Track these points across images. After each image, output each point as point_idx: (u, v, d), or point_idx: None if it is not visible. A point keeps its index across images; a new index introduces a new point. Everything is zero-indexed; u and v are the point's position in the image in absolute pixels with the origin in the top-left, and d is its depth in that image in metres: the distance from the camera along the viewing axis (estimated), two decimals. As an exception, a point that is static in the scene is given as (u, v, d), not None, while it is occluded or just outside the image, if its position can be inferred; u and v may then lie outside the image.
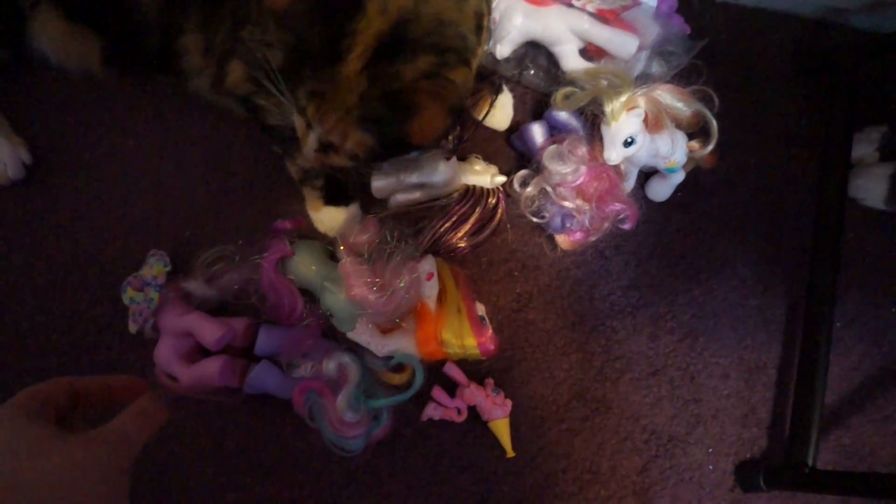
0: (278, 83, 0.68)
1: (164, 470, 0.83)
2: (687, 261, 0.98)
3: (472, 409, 0.86)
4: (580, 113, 0.90)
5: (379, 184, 0.88)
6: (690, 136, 0.91)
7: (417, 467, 0.87)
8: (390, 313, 0.78)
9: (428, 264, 0.83)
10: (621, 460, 0.91)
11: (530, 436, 0.89)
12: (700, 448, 0.93)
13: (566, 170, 0.85)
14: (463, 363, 0.87)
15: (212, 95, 0.87)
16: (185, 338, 0.79)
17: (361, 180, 0.88)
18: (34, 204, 0.88)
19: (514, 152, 0.97)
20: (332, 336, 0.86)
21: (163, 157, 0.92)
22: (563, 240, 0.92)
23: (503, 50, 0.95)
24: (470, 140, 0.90)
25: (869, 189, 1.01)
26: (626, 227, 0.88)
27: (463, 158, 0.92)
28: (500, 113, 0.95)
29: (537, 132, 0.91)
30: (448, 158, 0.87)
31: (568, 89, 0.89)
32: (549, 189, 0.87)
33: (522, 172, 0.91)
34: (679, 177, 0.94)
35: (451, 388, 0.87)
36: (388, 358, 0.83)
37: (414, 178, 0.87)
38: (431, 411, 0.85)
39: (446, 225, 0.88)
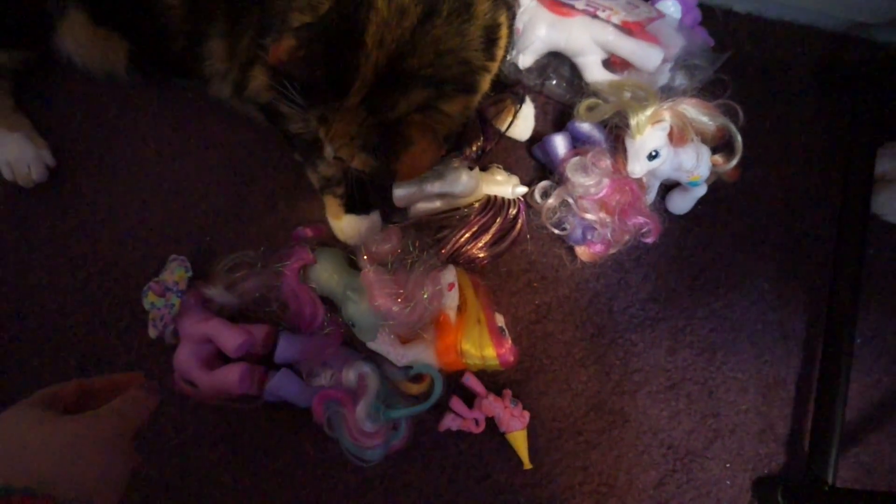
0: (297, 93, 0.68)
1: (182, 475, 0.83)
2: (706, 274, 0.97)
3: (490, 421, 0.86)
4: (603, 125, 0.90)
5: (400, 192, 0.88)
6: (714, 150, 0.90)
7: (434, 478, 0.86)
8: (413, 324, 0.78)
9: (449, 275, 0.83)
10: (638, 474, 0.91)
11: (547, 448, 0.89)
12: (717, 463, 0.92)
13: (589, 182, 0.85)
14: (481, 374, 0.87)
15: (233, 102, 0.88)
16: (205, 344, 0.79)
17: (383, 186, 0.88)
18: (56, 206, 0.88)
19: (535, 163, 0.97)
20: (351, 345, 0.86)
21: (184, 163, 0.92)
22: (582, 252, 0.92)
23: (526, 60, 0.95)
24: (492, 150, 0.90)
25: (892, 205, 1.00)
26: (649, 240, 0.88)
27: (484, 169, 0.92)
28: (523, 123, 0.95)
29: (560, 144, 0.90)
30: (470, 168, 0.87)
31: (591, 101, 0.89)
32: (570, 201, 0.87)
33: (544, 183, 0.91)
34: (701, 190, 0.93)
35: (470, 398, 0.87)
36: (408, 368, 0.83)
37: (436, 188, 0.86)
38: (449, 422, 0.85)
39: (467, 235, 0.88)
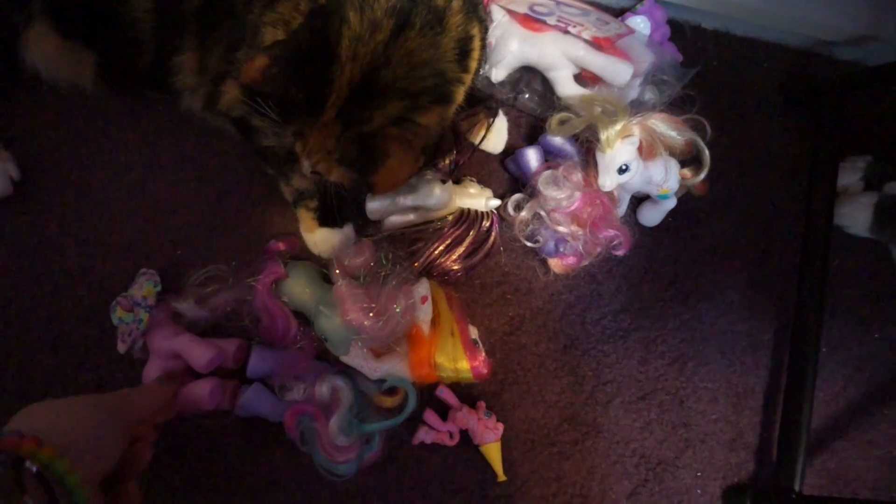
0: (272, 110, 0.68)
1: (152, 491, 0.82)
2: (677, 286, 0.99)
3: (464, 433, 0.86)
4: (574, 139, 0.91)
5: (374, 205, 0.88)
6: (683, 164, 0.92)
7: (408, 491, 0.86)
8: (386, 338, 0.78)
9: (422, 288, 0.83)
10: (611, 484, 0.92)
11: (521, 459, 0.89)
12: (689, 472, 0.94)
13: (561, 195, 0.86)
14: (455, 386, 0.87)
15: (204, 115, 0.87)
16: (175, 359, 0.78)
17: (358, 199, 0.88)
18: (22, 220, 0.86)
19: (508, 176, 0.98)
20: (324, 358, 0.85)
21: (155, 175, 0.91)
22: (555, 264, 0.93)
23: (498, 74, 0.96)
24: (465, 163, 0.91)
25: (854, 217, 1.03)
26: (620, 253, 0.89)
27: (458, 181, 0.93)
28: (496, 136, 0.96)
29: (532, 157, 0.91)
30: (444, 181, 0.87)
31: (563, 115, 0.90)
32: (543, 214, 0.88)
33: (517, 196, 0.92)
34: (671, 203, 0.95)
35: (444, 411, 0.87)
36: (381, 381, 0.82)
37: (409, 201, 0.87)
38: (423, 435, 0.85)
39: (441, 248, 0.88)
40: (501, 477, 0.87)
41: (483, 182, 0.95)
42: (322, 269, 0.85)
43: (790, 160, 1.07)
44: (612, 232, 0.87)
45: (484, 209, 0.91)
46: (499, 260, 0.94)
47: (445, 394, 0.86)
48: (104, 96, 0.89)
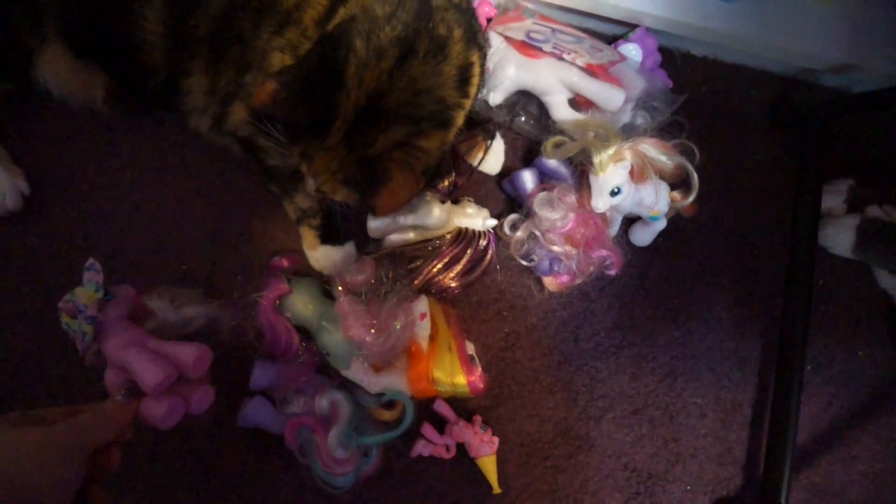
0: (279, 132, 0.71)
1: (154, 502, 0.84)
2: (667, 304, 1.02)
3: (461, 446, 0.88)
4: (569, 161, 0.95)
5: (375, 224, 0.91)
6: (672, 187, 0.95)
7: (406, 503, 0.88)
8: (386, 353, 0.80)
9: (421, 304, 0.85)
10: (603, 497, 0.94)
11: (516, 472, 0.92)
12: (679, 486, 0.96)
13: (555, 216, 0.89)
14: (452, 400, 0.89)
15: (211, 134, 0.90)
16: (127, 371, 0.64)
17: (359, 217, 0.91)
18: (31, 234, 0.88)
19: (504, 196, 1.01)
20: (324, 372, 0.87)
21: (161, 191, 0.93)
22: (550, 282, 0.96)
23: (496, 97, 1.00)
24: (464, 184, 0.94)
25: (837, 238, 1.06)
26: (612, 272, 0.92)
27: (456, 202, 0.95)
28: (493, 158, 0.99)
29: (528, 179, 0.95)
30: (443, 202, 0.90)
31: (558, 138, 0.93)
32: (538, 233, 0.91)
33: (513, 216, 0.95)
34: (661, 224, 0.98)
35: (441, 425, 0.89)
36: (380, 395, 0.85)
37: (409, 220, 0.90)
38: (421, 448, 0.87)
39: (439, 265, 0.91)
40: (497, 489, 0.89)
41: (480, 202, 0.98)
42: (324, 286, 0.88)
43: (776, 183, 1.11)
44: (604, 252, 0.90)
45: (481, 228, 0.94)
46: (495, 278, 0.97)
47: (443, 408, 0.88)
48: (113, 115, 0.92)
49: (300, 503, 0.86)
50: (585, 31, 1.09)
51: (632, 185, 0.90)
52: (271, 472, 0.86)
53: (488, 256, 0.94)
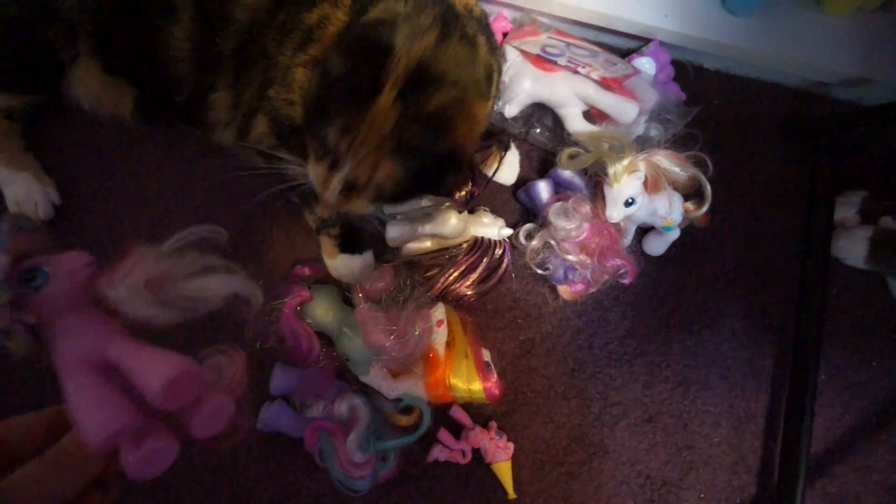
0: (293, 140, 0.74)
1: (176, 505, 0.86)
2: (680, 313, 1.03)
3: (476, 452, 0.89)
4: (583, 172, 0.96)
5: (393, 233, 0.93)
6: (686, 198, 0.97)
7: (422, 508, 0.89)
8: (405, 359, 0.82)
9: (438, 312, 0.87)
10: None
11: (531, 478, 0.93)
12: (692, 493, 0.97)
13: (570, 226, 0.90)
14: (468, 406, 0.91)
15: (235, 147, 0.92)
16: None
17: (377, 228, 0.93)
18: (62, 242, 0.91)
19: (520, 206, 1.03)
20: (344, 378, 0.89)
21: (186, 200, 0.96)
22: (564, 290, 0.97)
23: (511, 110, 1.02)
24: (480, 195, 0.96)
25: (850, 249, 1.07)
26: (626, 281, 0.93)
27: (472, 211, 0.97)
28: (508, 169, 1.01)
29: (543, 189, 0.96)
30: (459, 212, 0.92)
31: (572, 150, 0.95)
32: (553, 243, 0.93)
33: (528, 226, 0.97)
34: (674, 234, 1.00)
35: (457, 430, 0.90)
36: (398, 400, 0.86)
37: (426, 229, 0.92)
38: (437, 453, 0.89)
39: (455, 274, 0.93)
40: (512, 495, 0.90)
41: (496, 212, 1.00)
42: (345, 293, 0.90)
43: (789, 194, 1.12)
44: (618, 261, 0.91)
45: (497, 238, 0.96)
46: (510, 286, 0.99)
47: (459, 414, 0.90)
48: (141, 127, 0.95)
49: (319, 506, 0.88)
50: (600, 45, 1.11)
51: (646, 196, 0.91)
52: (291, 476, 0.88)
53: (504, 265, 0.96)
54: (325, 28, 0.79)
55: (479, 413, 0.92)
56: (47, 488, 0.34)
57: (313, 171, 0.75)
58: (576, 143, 0.96)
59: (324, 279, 0.93)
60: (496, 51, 0.83)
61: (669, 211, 0.93)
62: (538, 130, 1.05)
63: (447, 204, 0.92)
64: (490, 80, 0.78)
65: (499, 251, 0.95)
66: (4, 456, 0.35)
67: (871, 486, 1.01)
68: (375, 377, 0.85)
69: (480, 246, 0.94)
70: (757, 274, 1.07)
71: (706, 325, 1.03)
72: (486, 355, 0.91)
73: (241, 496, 0.87)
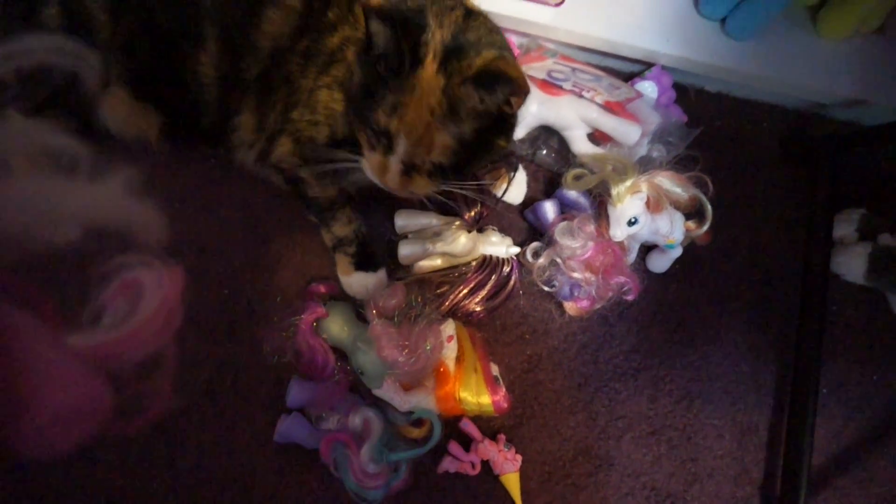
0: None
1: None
2: (684, 328, 1.06)
3: (485, 463, 0.92)
4: (588, 193, 1.00)
5: (405, 252, 0.97)
6: (688, 217, 1.00)
7: (433, 518, 0.92)
8: (417, 373, 0.85)
9: (449, 327, 0.91)
10: (623, 516, 0.97)
11: (538, 489, 0.95)
12: (697, 505, 0.99)
13: (576, 244, 0.94)
14: (478, 419, 0.93)
15: (256, 167, 0.97)
16: None
17: (391, 244, 0.97)
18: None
19: (527, 225, 1.07)
20: (357, 391, 0.93)
21: (206, 220, 1.00)
22: (570, 307, 1.00)
23: (519, 132, 1.06)
24: (488, 214, 1.00)
25: (849, 266, 1.10)
26: (630, 298, 0.97)
27: (481, 230, 1.01)
28: (516, 189, 1.05)
29: (549, 209, 1.00)
30: (469, 231, 0.96)
31: (578, 171, 0.99)
32: (559, 261, 0.96)
33: (535, 244, 1.00)
34: (677, 252, 1.03)
35: (466, 442, 0.93)
36: (409, 413, 0.89)
37: (437, 248, 0.95)
38: (447, 464, 0.91)
39: (465, 291, 0.97)
40: (520, 506, 0.93)
41: (504, 231, 1.03)
42: (359, 309, 0.93)
43: (789, 213, 1.15)
44: (622, 278, 0.94)
45: (505, 256, 0.99)
46: (518, 302, 1.02)
47: (469, 427, 0.93)
48: (165, 150, 0.99)
49: (334, 515, 0.91)
50: (604, 69, 1.15)
51: (648, 216, 0.95)
52: (306, 486, 0.91)
53: (511, 282, 0.99)
54: (347, 49, 0.83)
55: (488, 426, 0.95)
56: None
57: (369, 162, 0.77)
58: (581, 165, 1.01)
59: (338, 296, 0.97)
60: None
61: (671, 230, 0.96)
62: (544, 152, 1.09)
63: (457, 223, 0.96)
64: None
65: (507, 269, 0.99)
66: None
67: (873, 499, 1.02)
68: (388, 390, 0.88)
69: (489, 264, 0.98)
70: (758, 290, 1.10)
71: (709, 340, 1.06)
72: (495, 369, 0.94)
73: (258, 505, 0.90)
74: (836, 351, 1.09)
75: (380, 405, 0.89)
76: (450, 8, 0.74)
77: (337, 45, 0.84)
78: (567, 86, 1.05)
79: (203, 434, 0.90)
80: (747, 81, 1.17)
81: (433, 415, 0.88)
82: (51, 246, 0.40)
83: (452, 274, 0.98)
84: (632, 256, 1.03)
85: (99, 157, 0.48)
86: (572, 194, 1.00)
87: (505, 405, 0.89)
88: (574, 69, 1.09)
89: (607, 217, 0.95)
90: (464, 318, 0.97)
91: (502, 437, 0.94)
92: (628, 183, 0.92)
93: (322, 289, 0.94)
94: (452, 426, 0.93)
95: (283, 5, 0.86)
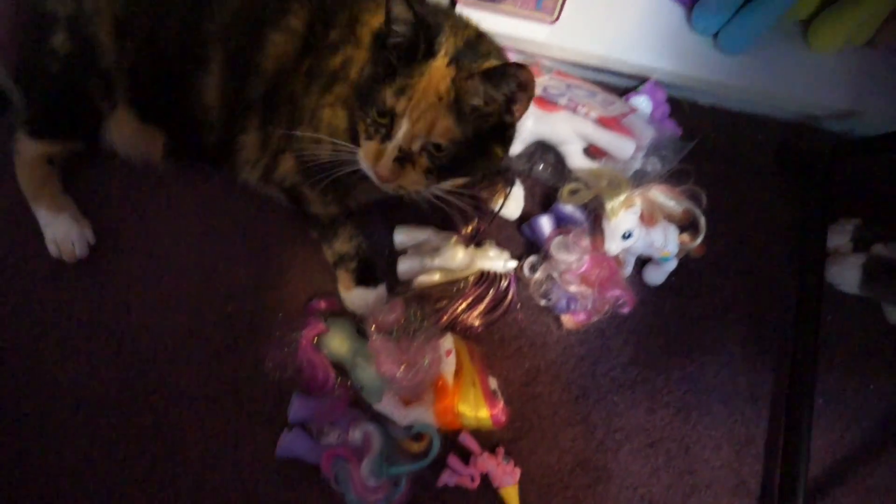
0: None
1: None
2: (680, 340, 1.07)
3: (485, 476, 0.93)
4: (584, 207, 1.02)
5: (403, 267, 0.98)
6: (682, 230, 1.02)
7: (433, 531, 0.93)
8: (415, 387, 0.86)
9: (447, 342, 0.92)
10: (622, 527, 0.98)
11: (537, 502, 0.96)
12: (695, 517, 1.00)
13: (571, 258, 0.95)
14: (476, 433, 0.94)
15: (260, 185, 0.99)
16: None
17: (391, 259, 0.98)
18: (96, 279, 0.97)
19: (524, 239, 1.08)
20: (357, 406, 0.94)
21: (209, 238, 1.02)
22: (567, 320, 1.02)
23: (515, 148, 1.08)
24: (485, 229, 1.01)
25: (844, 276, 1.11)
26: (625, 310, 0.98)
27: (479, 245, 1.02)
28: (513, 204, 1.07)
29: (545, 224, 1.02)
30: (466, 247, 0.97)
31: (573, 185, 1.01)
32: (555, 275, 0.97)
33: (532, 258, 1.02)
34: (672, 264, 1.04)
35: (466, 456, 0.94)
36: (409, 427, 0.91)
37: (435, 263, 0.97)
38: (447, 478, 0.92)
39: (463, 305, 0.98)
40: (519, 518, 0.93)
41: (501, 245, 1.05)
42: (358, 325, 0.95)
43: (783, 223, 1.16)
44: (617, 291, 0.96)
45: (502, 270, 1.01)
46: (516, 316, 1.03)
47: (467, 440, 0.94)
48: (169, 169, 1.01)
49: (335, 529, 0.92)
50: (599, 84, 1.17)
51: (642, 229, 0.96)
52: (308, 499, 0.92)
53: (509, 296, 1.01)
54: (349, 68, 0.85)
55: (487, 439, 0.96)
56: None
57: (364, 150, 0.78)
58: (576, 180, 1.02)
59: (339, 312, 0.98)
60: None
61: (665, 243, 0.98)
62: (541, 167, 1.11)
63: (454, 239, 0.98)
64: None
65: (504, 283, 1.01)
66: None
67: (871, 509, 1.03)
68: (388, 405, 0.90)
69: (487, 278, 1.00)
70: (754, 301, 1.11)
71: (706, 352, 1.07)
72: (493, 383, 0.95)
73: (261, 519, 0.91)
74: (832, 361, 1.10)
75: (380, 420, 0.91)
76: (464, 26, 0.80)
77: (339, 65, 0.86)
78: (562, 101, 1.07)
79: (206, 449, 0.92)
80: (740, 95, 1.19)
81: (432, 429, 0.89)
82: None
83: (451, 288, 1.00)
84: (628, 269, 1.04)
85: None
86: (568, 209, 1.02)
87: (503, 418, 0.91)
88: (569, 85, 1.11)
89: (602, 231, 0.97)
90: (462, 332, 0.99)
91: (501, 450, 0.95)
92: (622, 197, 0.94)
93: (323, 305, 0.96)
94: (452, 440, 0.94)
95: (287, 29, 0.88)
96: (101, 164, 1.02)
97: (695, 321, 1.08)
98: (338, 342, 0.91)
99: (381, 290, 0.98)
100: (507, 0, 1.10)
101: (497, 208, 1.03)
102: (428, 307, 0.97)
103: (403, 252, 1.00)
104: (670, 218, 0.99)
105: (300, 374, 0.91)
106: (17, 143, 0.95)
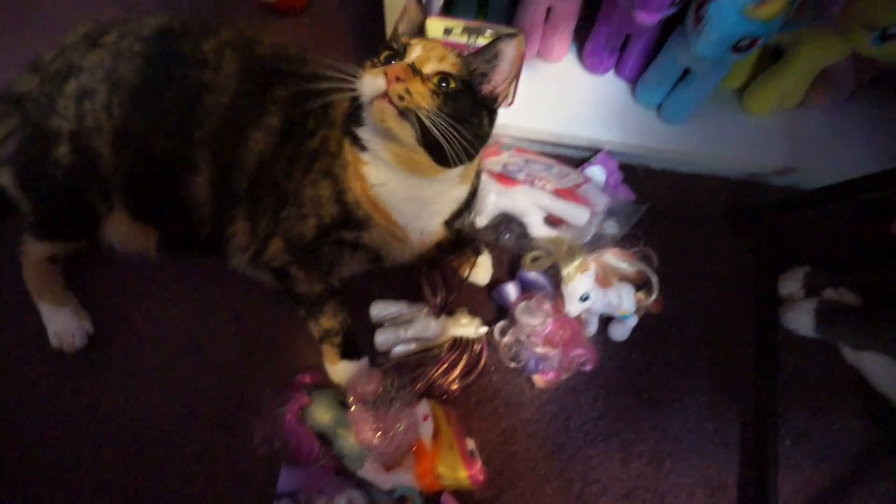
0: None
1: None
2: (648, 392, 1.13)
3: (467, 535, 0.98)
4: (546, 272, 1.10)
5: (380, 339, 1.06)
6: (638, 288, 1.09)
7: (420, 592, 0.97)
8: (392, 453, 0.92)
9: (423, 407, 0.98)
10: (604, 579, 1.01)
11: (520, 558, 1.00)
12: (674, 565, 1.03)
13: (535, 322, 1.03)
14: (457, 493, 0.99)
15: (249, 269, 1.06)
16: None
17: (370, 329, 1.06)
18: (95, 368, 1.05)
19: (494, 304, 1.16)
20: (343, 473, 0.99)
21: (201, 322, 1.10)
22: (538, 379, 1.08)
23: (482, 220, 1.17)
24: (457, 296, 1.09)
25: (799, 321, 1.17)
26: (587, 368, 1.05)
27: (451, 313, 1.10)
28: (482, 271, 1.15)
29: (511, 291, 1.10)
30: (437, 316, 1.05)
31: (535, 253, 1.09)
32: (522, 338, 1.05)
33: (501, 323, 1.09)
34: (633, 321, 1.11)
35: (448, 516, 0.99)
36: (392, 491, 0.96)
37: (410, 333, 1.05)
38: (431, 538, 0.97)
39: (439, 371, 1.05)
40: (502, 575, 0.97)
41: (474, 311, 1.12)
42: (340, 396, 1.01)
43: (738, 275, 1.24)
44: (580, 350, 1.03)
45: (474, 336, 1.08)
46: (490, 378, 1.10)
47: (449, 500, 0.99)
48: (162, 261, 1.11)
49: None
50: (556, 157, 1.27)
51: (599, 291, 1.04)
52: (300, 568, 0.96)
53: (482, 360, 1.08)
54: (328, 144, 0.95)
55: (469, 498, 1.00)
56: None
57: (367, 75, 0.80)
58: (538, 247, 1.11)
59: (324, 384, 1.05)
60: None
61: (621, 302, 1.05)
62: (507, 236, 1.20)
63: (425, 310, 1.06)
64: None
65: (477, 347, 1.08)
66: None
67: (844, 547, 1.06)
68: (369, 471, 0.95)
69: (460, 344, 1.07)
70: (715, 350, 1.17)
71: (673, 401, 1.13)
72: (471, 444, 1.01)
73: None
74: (798, 403, 1.14)
75: (364, 485, 0.96)
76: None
77: (318, 144, 0.96)
78: (521, 176, 1.17)
79: (201, 523, 0.97)
80: (687, 159, 1.29)
81: (414, 491, 0.95)
82: None
83: (427, 356, 1.07)
84: (592, 328, 1.11)
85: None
86: (532, 275, 1.10)
87: (481, 477, 0.96)
88: (528, 160, 1.21)
89: (563, 295, 1.04)
90: (440, 396, 1.05)
91: (482, 508, 1.00)
92: (577, 263, 1.02)
93: (307, 379, 1.02)
94: (434, 501, 0.98)
95: (266, 126, 0.98)
96: (101, 259, 1.11)
97: (660, 373, 1.14)
98: (321, 413, 0.97)
99: (364, 362, 1.05)
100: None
101: (465, 276, 1.11)
102: (405, 376, 1.04)
103: (380, 325, 1.08)
104: (625, 278, 1.07)
105: (286, 446, 0.97)
106: (23, 245, 1.04)
